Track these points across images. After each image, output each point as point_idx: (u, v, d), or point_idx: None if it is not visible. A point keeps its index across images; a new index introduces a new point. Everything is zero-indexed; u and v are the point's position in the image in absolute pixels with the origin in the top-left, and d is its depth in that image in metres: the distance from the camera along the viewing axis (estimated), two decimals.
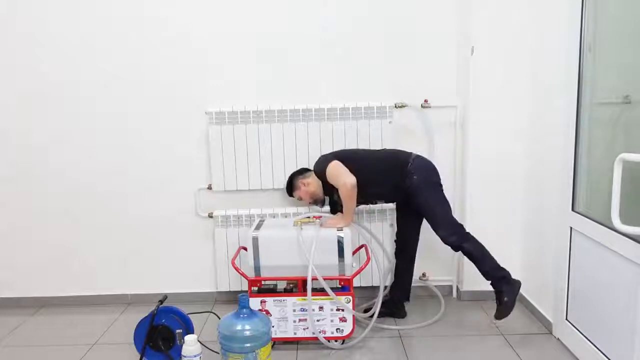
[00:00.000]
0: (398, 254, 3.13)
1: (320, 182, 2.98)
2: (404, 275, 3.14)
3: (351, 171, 2.81)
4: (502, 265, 2.81)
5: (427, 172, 2.90)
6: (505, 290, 2.77)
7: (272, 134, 3.23)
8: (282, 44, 3.21)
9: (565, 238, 2.69)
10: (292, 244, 2.73)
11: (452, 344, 2.84)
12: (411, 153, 2.96)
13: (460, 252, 2.86)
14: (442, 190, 2.91)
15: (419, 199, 2.85)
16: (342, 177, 2.80)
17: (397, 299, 3.14)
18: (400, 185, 2.87)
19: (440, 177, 2.94)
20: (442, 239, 2.82)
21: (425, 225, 2.92)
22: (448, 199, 2.91)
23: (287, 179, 3.14)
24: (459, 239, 2.81)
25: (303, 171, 3.13)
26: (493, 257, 2.81)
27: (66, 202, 3.38)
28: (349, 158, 2.91)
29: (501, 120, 3.18)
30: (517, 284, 2.82)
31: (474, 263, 2.83)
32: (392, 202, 3.14)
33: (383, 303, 2.95)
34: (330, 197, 3.07)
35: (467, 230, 2.86)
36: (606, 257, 2.34)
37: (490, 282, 2.82)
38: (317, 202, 3.08)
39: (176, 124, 3.29)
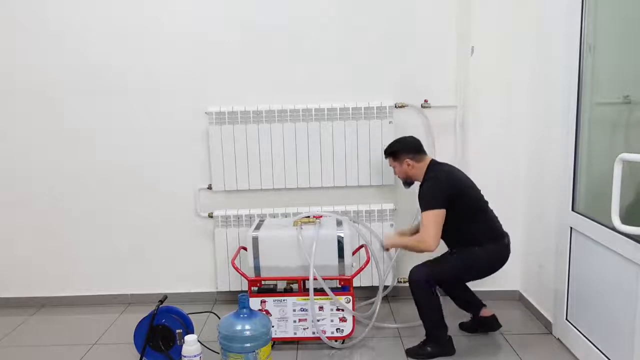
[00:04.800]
0: (448, 290, 2.96)
1: (423, 171, 2.77)
2: (461, 294, 2.95)
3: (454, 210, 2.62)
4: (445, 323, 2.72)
5: (477, 263, 2.70)
6: (432, 346, 2.71)
7: (272, 134, 3.23)
8: (282, 44, 3.21)
9: (565, 238, 2.69)
10: (292, 244, 2.73)
11: None
12: (504, 236, 2.74)
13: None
14: (473, 273, 2.75)
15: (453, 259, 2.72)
16: (428, 236, 2.58)
17: (476, 314, 2.95)
18: (456, 244, 2.74)
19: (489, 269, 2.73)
20: (419, 266, 2.70)
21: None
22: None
23: (395, 139, 2.89)
24: (422, 285, 2.64)
25: (415, 150, 2.81)
26: (440, 317, 2.68)
27: (66, 202, 3.38)
28: (460, 197, 2.67)
29: (501, 120, 3.19)
30: (447, 350, 2.71)
31: (418, 312, 2.71)
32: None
33: (476, 322, 2.90)
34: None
35: (437, 292, 2.68)
36: (606, 257, 2.34)
37: (425, 334, 2.75)
38: (407, 183, 2.89)
39: (176, 124, 3.29)
